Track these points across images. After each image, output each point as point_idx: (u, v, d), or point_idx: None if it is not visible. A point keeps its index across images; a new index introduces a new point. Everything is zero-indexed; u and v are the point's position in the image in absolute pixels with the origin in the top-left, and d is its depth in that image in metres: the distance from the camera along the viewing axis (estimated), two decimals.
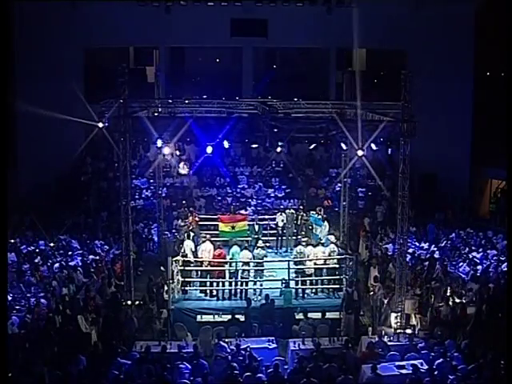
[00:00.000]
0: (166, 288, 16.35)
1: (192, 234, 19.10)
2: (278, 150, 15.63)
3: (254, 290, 16.87)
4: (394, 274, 16.41)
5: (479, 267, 18.33)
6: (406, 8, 26.26)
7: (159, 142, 16.56)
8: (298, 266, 17.01)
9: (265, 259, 17.36)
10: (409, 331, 14.42)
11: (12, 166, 23.33)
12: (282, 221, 20.61)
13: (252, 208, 24.19)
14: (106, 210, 23.42)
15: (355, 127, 15.73)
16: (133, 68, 28.78)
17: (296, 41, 27.04)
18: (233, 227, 19.52)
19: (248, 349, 13.03)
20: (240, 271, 16.88)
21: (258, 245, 17.61)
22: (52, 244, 20.03)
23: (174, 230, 21.13)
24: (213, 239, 18.04)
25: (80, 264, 18.48)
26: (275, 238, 20.74)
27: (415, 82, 14.74)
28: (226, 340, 13.76)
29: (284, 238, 20.57)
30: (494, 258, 18.99)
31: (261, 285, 17.02)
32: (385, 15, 26.05)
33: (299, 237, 19.72)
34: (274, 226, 21.21)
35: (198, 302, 16.55)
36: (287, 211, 20.95)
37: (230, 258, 17.10)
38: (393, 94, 16.05)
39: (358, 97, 19.26)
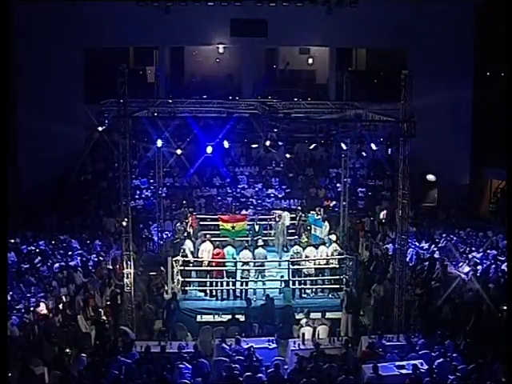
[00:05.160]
0: (166, 288, 16.34)
1: (192, 234, 19.11)
2: (268, 143, 15.50)
3: (254, 289, 16.88)
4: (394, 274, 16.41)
5: (479, 267, 18.33)
6: (405, 8, 26.27)
7: (159, 142, 16.56)
8: (295, 267, 16.99)
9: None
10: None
11: (12, 165, 23.35)
12: (292, 219, 20.58)
13: (252, 208, 24.20)
14: (106, 209, 23.43)
15: (355, 127, 15.74)
16: (133, 68, 28.77)
17: (296, 41, 27.03)
18: (233, 227, 19.54)
19: (252, 349, 13.01)
20: (240, 271, 16.87)
21: (258, 244, 17.62)
22: (52, 244, 20.06)
23: (173, 230, 21.13)
24: (213, 239, 18.04)
25: (80, 264, 18.48)
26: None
27: (415, 82, 14.74)
28: (227, 340, 13.76)
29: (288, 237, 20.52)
30: (494, 258, 19.00)
31: (261, 284, 17.04)
32: (385, 15, 26.10)
33: (296, 237, 19.71)
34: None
35: (198, 302, 16.54)
36: (285, 213, 20.91)
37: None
38: (393, 94, 16.06)
39: (357, 97, 19.36)
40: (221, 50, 29.62)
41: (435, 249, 20.01)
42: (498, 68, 26.79)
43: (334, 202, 23.76)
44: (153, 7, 26.14)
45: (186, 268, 16.93)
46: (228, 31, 26.85)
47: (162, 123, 16.15)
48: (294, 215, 20.89)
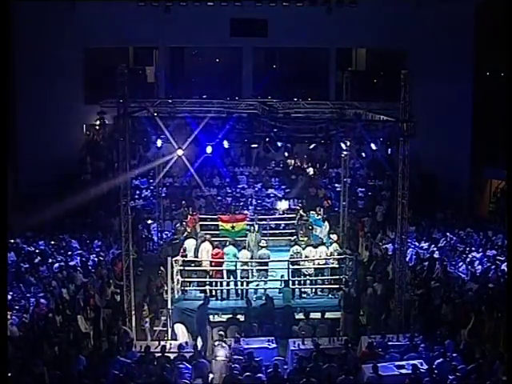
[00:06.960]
0: (165, 288, 16.34)
1: (192, 233, 19.09)
2: (267, 140, 15.53)
3: (255, 289, 16.87)
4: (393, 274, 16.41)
5: (479, 267, 18.33)
6: (405, 8, 26.29)
7: (159, 142, 16.56)
8: (294, 266, 16.98)
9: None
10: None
11: (12, 165, 23.36)
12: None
13: (252, 208, 24.19)
14: (106, 209, 23.40)
15: (355, 127, 15.74)
16: (133, 68, 28.77)
17: (296, 41, 27.03)
18: (232, 227, 19.54)
19: (252, 349, 13.00)
20: (240, 271, 16.87)
21: (260, 245, 17.60)
22: (52, 244, 20.05)
23: (173, 230, 21.12)
24: (212, 239, 18.02)
25: (80, 264, 18.48)
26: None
27: (415, 82, 14.75)
28: (226, 340, 13.75)
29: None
30: (494, 258, 18.99)
31: (258, 284, 17.03)
32: (385, 15, 26.12)
33: (295, 237, 19.69)
34: (273, 226, 21.25)
35: (198, 302, 16.50)
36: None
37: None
38: (393, 94, 16.05)
39: (357, 97, 19.37)
40: (221, 50, 29.61)
41: (435, 249, 20.02)
42: (498, 68, 26.82)
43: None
44: (152, 7, 26.18)
45: (186, 268, 16.94)
46: (228, 31, 26.86)
47: (162, 123, 16.14)
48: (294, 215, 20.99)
